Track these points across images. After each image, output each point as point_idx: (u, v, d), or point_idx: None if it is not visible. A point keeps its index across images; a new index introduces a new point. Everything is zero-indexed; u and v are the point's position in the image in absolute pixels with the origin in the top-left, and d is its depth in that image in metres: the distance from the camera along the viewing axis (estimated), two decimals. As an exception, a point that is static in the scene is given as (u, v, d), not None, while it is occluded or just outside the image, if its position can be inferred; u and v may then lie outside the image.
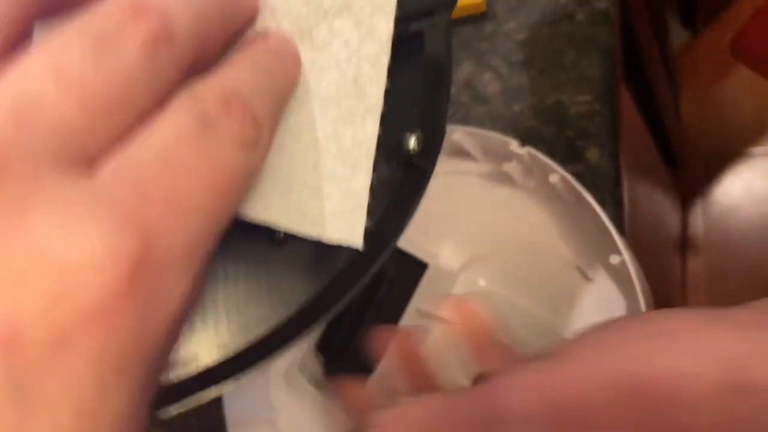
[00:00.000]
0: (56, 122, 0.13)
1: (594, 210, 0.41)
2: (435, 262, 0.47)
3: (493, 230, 0.48)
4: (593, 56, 0.49)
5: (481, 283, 0.46)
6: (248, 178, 0.17)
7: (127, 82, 0.14)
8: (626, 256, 0.39)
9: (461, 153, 0.50)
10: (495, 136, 0.45)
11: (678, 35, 1.27)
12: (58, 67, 0.14)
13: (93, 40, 0.14)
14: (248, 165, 0.17)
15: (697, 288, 1.24)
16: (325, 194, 0.20)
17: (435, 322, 0.46)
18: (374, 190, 0.23)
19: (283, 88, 0.19)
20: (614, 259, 0.40)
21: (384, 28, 0.21)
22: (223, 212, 0.16)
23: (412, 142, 0.24)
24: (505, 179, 0.48)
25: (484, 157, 0.49)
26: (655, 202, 0.98)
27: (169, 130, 0.15)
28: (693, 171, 1.27)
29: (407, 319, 0.45)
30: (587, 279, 0.44)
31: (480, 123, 0.52)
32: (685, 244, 1.25)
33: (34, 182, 0.13)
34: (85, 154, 0.14)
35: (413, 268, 0.46)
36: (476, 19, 0.54)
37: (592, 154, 0.47)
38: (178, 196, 0.14)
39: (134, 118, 0.15)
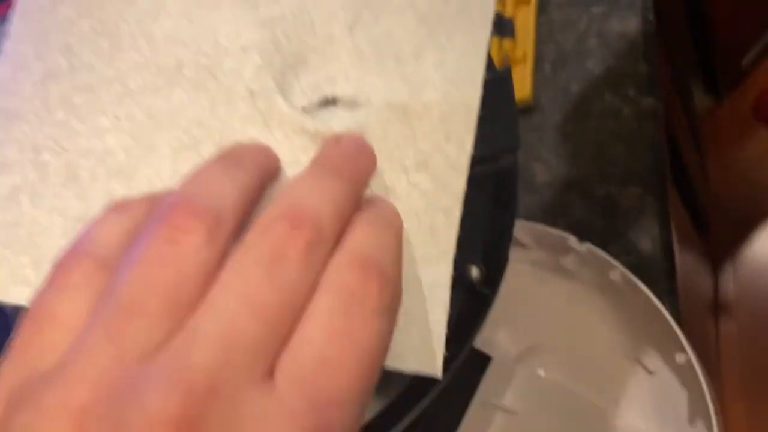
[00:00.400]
0: (250, 343, 0.15)
1: (655, 306, 0.43)
2: (493, 349, 0.49)
3: (550, 319, 0.50)
4: (641, 151, 0.51)
5: (541, 372, 0.47)
6: (390, 338, 0.19)
7: (294, 291, 0.17)
8: (691, 354, 0.40)
9: (516, 243, 0.52)
10: (552, 231, 0.47)
11: (700, 100, 1.30)
12: (248, 296, 0.16)
13: (267, 263, 0.16)
14: (389, 328, 0.19)
15: (730, 350, 1.23)
16: (407, 330, 0.22)
17: (498, 411, 0.46)
18: None
19: (399, 237, 0.21)
20: (680, 358, 0.41)
21: (457, 183, 0.23)
22: (373, 381, 0.18)
23: (475, 273, 0.26)
24: (561, 269, 0.50)
25: (539, 246, 0.51)
26: (695, 272, 0.99)
27: (322, 321, 0.17)
28: (722, 234, 1.28)
29: (471, 408, 0.46)
30: (648, 372, 0.45)
31: (531, 212, 0.54)
32: (717, 306, 1.25)
33: (240, 401, 0.15)
34: (269, 364, 0.16)
35: (477, 361, 0.47)
36: (524, 111, 0.57)
37: (645, 245, 0.49)
38: (338, 390, 0.16)
39: (298, 315, 0.17)
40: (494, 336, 0.50)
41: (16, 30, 0.20)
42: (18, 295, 0.19)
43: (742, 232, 1.30)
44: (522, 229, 0.49)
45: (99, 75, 0.21)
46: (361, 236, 0.19)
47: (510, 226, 0.28)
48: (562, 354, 0.48)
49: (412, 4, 0.24)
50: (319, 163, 0.20)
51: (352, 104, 0.22)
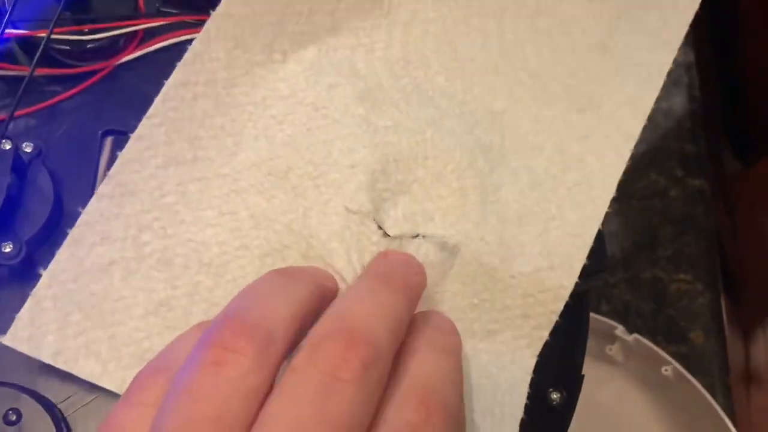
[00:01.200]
0: None
1: (709, 403, 0.40)
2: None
3: (596, 411, 0.47)
4: (691, 234, 0.49)
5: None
6: None
7: (350, 426, 0.15)
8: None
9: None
10: (599, 318, 0.45)
11: (730, 164, 1.28)
12: (301, 425, 0.14)
13: (320, 392, 0.15)
14: None
15: (763, 421, 1.19)
16: None
17: None
18: None
19: (459, 362, 0.19)
20: (741, 467, 0.38)
21: (526, 361, 0.21)
22: None
23: (555, 396, 0.25)
24: (608, 359, 0.47)
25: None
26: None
27: None
28: (753, 302, 1.25)
29: None
30: (701, 474, 0.42)
31: (573, 293, 0.52)
32: (749, 377, 1.20)
33: None
34: None
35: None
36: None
37: (697, 336, 0.46)
38: None
39: None
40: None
41: (155, 111, 0.21)
42: (86, 368, 0.19)
43: (774, 299, 1.27)
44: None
45: (216, 170, 0.21)
46: (420, 364, 0.17)
47: (584, 346, 0.26)
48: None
49: (532, 168, 0.23)
50: (370, 275, 0.19)
51: (441, 246, 0.21)
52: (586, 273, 0.25)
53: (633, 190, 0.52)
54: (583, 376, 0.27)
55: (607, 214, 0.56)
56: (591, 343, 0.47)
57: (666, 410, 0.45)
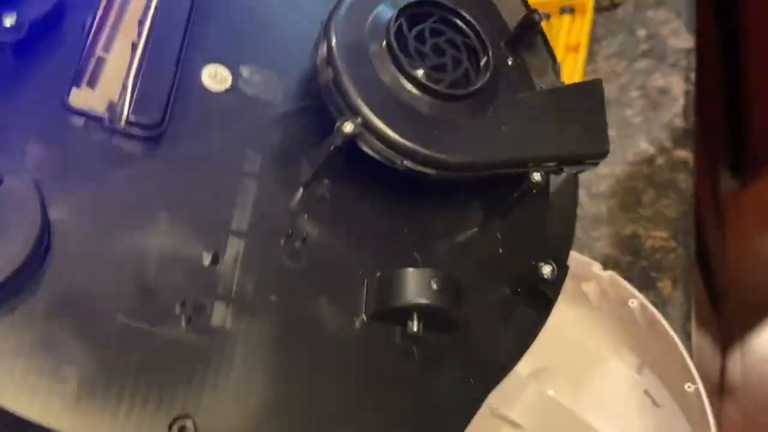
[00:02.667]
0: None
1: (669, 337, 0.44)
2: (507, 366, 0.50)
3: (566, 344, 0.51)
4: (671, 198, 0.53)
5: (550, 392, 0.49)
6: None
7: None
8: (701, 386, 0.42)
9: (540, 268, 0.54)
10: (579, 257, 0.49)
11: (726, 184, 1.33)
12: None
13: None
14: None
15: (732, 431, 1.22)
16: None
17: (505, 424, 0.48)
18: (498, 311, 0.28)
19: None
20: (689, 388, 0.42)
21: None
22: None
23: (547, 271, 0.29)
24: (581, 299, 0.52)
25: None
26: (704, 341, 1.00)
27: None
28: (734, 318, 1.29)
29: (479, 414, 0.47)
30: (655, 404, 0.47)
31: (558, 243, 0.56)
32: (722, 389, 1.24)
33: None
34: None
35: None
36: (561, 149, 0.60)
37: (665, 285, 0.51)
38: None
39: None
40: (508, 354, 0.51)
41: None
42: None
43: (755, 319, 1.31)
44: (549, 252, 0.51)
45: None
46: None
47: (573, 233, 0.30)
48: (573, 378, 0.50)
49: None
50: None
51: None
52: (591, 155, 0.29)
53: (625, 156, 0.57)
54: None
55: (597, 177, 0.61)
56: (568, 283, 0.52)
57: (631, 347, 0.49)
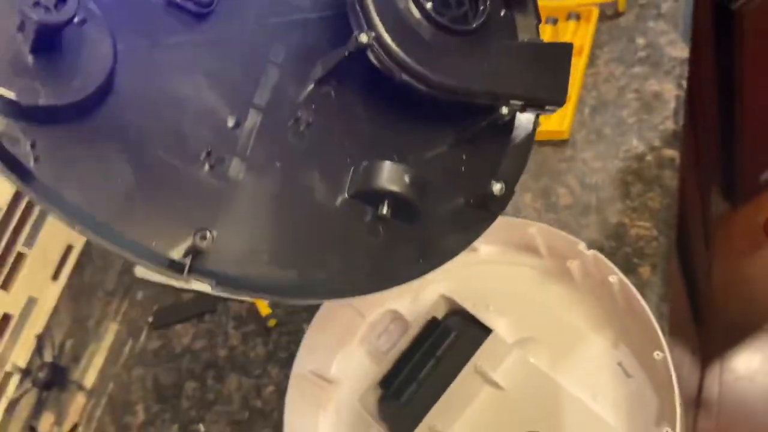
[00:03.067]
0: None
1: (644, 313, 0.48)
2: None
3: (548, 319, 0.55)
4: (657, 192, 0.58)
5: (532, 360, 0.52)
6: None
7: None
8: (668, 354, 0.46)
9: (530, 249, 0.58)
10: (567, 236, 0.53)
11: (717, 206, 1.37)
12: None
13: None
14: None
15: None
16: None
17: (487, 385, 0.52)
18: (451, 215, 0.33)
19: None
20: (658, 356, 0.46)
21: None
22: None
23: (497, 188, 0.35)
24: (565, 277, 0.56)
25: (549, 255, 0.57)
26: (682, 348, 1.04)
27: None
28: (716, 336, 1.33)
29: (465, 371, 0.51)
30: (627, 375, 0.50)
31: (549, 227, 0.60)
32: (698, 402, 1.28)
33: None
34: None
35: (478, 332, 0.52)
36: (558, 143, 0.64)
37: (645, 271, 0.55)
38: None
39: None
40: (495, 324, 0.55)
41: None
42: None
43: (735, 338, 1.35)
44: (540, 231, 0.55)
45: None
46: None
47: (525, 162, 0.36)
48: (554, 348, 0.54)
49: None
50: None
51: None
52: (549, 101, 0.34)
53: (617, 152, 0.61)
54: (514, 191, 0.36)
55: (590, 170, 0.65)
56: (553, 264, 0.56)
57: (609, 322, 0.53)
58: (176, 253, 0.27)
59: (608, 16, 0.68)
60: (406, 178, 0.31)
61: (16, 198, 0.78)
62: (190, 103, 0.29)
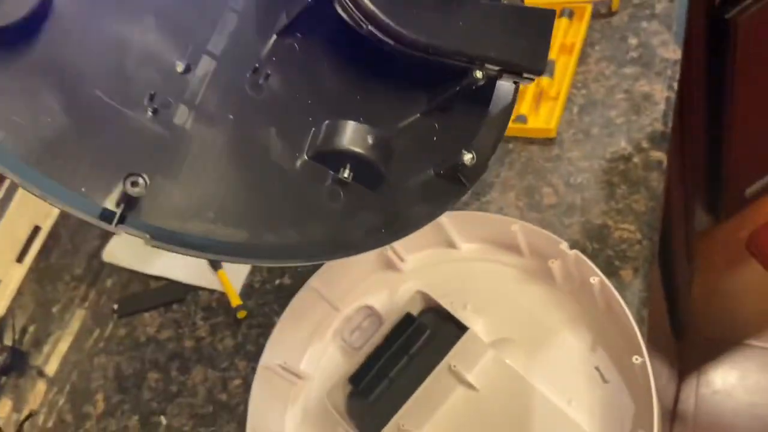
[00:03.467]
0: None
1: (624, 316, 0.47)
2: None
3: (526, 320, 0.53)
4: (642, 194, 0.56)
5: (507, 362, 0.51)
6: None
7: None
8: (647, 359, 0.44)
9: (512, 247, 0.56)
10: (549, 235, 0.52)
11: (700, 221, 1.36)
12: None
13: None
14: None
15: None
16: None
17: (460, 385, 0.50)
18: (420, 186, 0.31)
19: None
20: (636, 360, 0.44)
21: None
22: None
23: (467, 158, 0.33)
24: (546, 278, 0.54)
25: (531, 254, 0.55)
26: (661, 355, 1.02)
27: None
28: (694, 349, 1.32)
29: (438, 370, 0.49)
30: (604, 380, 0.49)
31: (531, 227, 0.58)
32: (674, 415, 1.27)
33: None
34: None
35: (454, 329, 0.51)
36: (545, 142, 0.63)
37: (627, 274, 0.53)
38: None
39: None
40: (472, 323, 0.53)
41: None
42: None
43: (713, 353, 1.34)
44: (522, 229, 0.53)
45: None
46: None
47: (503, 133, 0.34)
48: (530, 350, 0.52)
49: None
50: None
51: None
52: (528, 68, 0.32)
53: (604, 153, 0.60)
54: (488, 164, 0.34)
55: (576, 169, 0.64)
56: (534, 263, 0.54)
57: (588, 325, 0.51)
58: (109, 202, 0.24)
59: (602, 14, 0.67)
60: (370, 140, 0.29)
61: (-17, 174, 0.75)
62: (136, 42, 0.27)
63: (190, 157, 0.27)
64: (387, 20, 0.29)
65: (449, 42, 0.31)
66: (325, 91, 0.31)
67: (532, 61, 0.32)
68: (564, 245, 0.51)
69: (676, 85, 0.60)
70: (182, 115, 0.27)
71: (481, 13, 0.32)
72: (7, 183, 0.77)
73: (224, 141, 0.28)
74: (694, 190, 1.27)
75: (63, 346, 0.74)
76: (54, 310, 0.77)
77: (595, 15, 0.66)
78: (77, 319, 0.75)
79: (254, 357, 0.63)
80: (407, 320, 0.53)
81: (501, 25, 0.32)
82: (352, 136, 0.29)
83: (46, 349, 0.74)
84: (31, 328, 0.77)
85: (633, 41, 0.64)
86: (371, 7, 0.29)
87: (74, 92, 0.25)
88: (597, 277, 0.48)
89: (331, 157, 0.29)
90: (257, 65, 0.29)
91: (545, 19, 0.32)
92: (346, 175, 0.30)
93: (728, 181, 1.25)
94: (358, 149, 0.29)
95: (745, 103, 1.03)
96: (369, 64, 0.32)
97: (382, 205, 0.31)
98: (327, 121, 0.30)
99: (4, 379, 0.73)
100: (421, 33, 0.30)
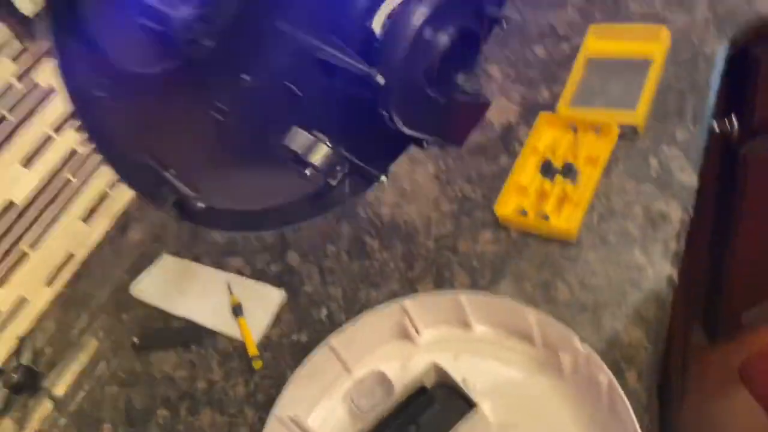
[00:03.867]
0: None
1: (629, 419, 0.49)
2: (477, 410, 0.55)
3: (533, 408, 0.56)
4: (652, 304, 0.60)
5: (510, 445, 0.53)
6: None
7: None
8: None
9: (525, 336, 0.60)
10: (565, 329, 0.55)
11: (697, 337, 1.39)
12: None
13: None
14: None
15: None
16: None
17: (464, 460, 0.52)
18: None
19: None
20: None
21: None
22: None
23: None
24: (555, 369, 0.57)
25: (543, 345, 0.59)
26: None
27: None
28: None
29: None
30: (601, 475, 0.51)
31: (545, 319, 0.62)
32: None
33: None
34: None
35: (461, 404, 0.53)
36: (565, 243, 0.67)
37: (631, 377, 0.56)
38: None
39: None
40: (482, 402, 0.56)
41: None
42: None
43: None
44: (539, 320, 0.57)
45: None
46: None
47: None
48: (533, 438, 0.54)
49: None
50: None
51: None
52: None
53: (619, 260, 0.64)
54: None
55: (591, 272, 0.67)
56: (546, 354, 0.58)
57: (593, 421, 0.54)
58: None
59: (627, 135, 0.73)
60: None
61: (34, 196, 0.79)
62: None
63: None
64: None
65: None
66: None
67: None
68: (577, 340, 0.54)
69: (691, 210, 0.65)
70: None
71: None
72: (54, 208, 0.82)
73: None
74: (694, 308, 1.31)
75: (75, 371, 0.76)
76: (72, 335, 0.80)
77: (621, 134, 0.72)
78: (94, 347, 0.78)
79: (263, 407, 0.65)
80: (420, 391, 0.56)
81: None
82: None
83: (59, 372, 0.76)
84: (49, 350, 0.79)
85: (654, 162, 0.70)
86: None
87: None
88: (606, 376, 0.52)
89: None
90: None
91: None
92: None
93: (726, 302, 1.29)
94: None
95: (748, 233, 1.08)
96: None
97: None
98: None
99: (14, 396, 0.74)
100: None
